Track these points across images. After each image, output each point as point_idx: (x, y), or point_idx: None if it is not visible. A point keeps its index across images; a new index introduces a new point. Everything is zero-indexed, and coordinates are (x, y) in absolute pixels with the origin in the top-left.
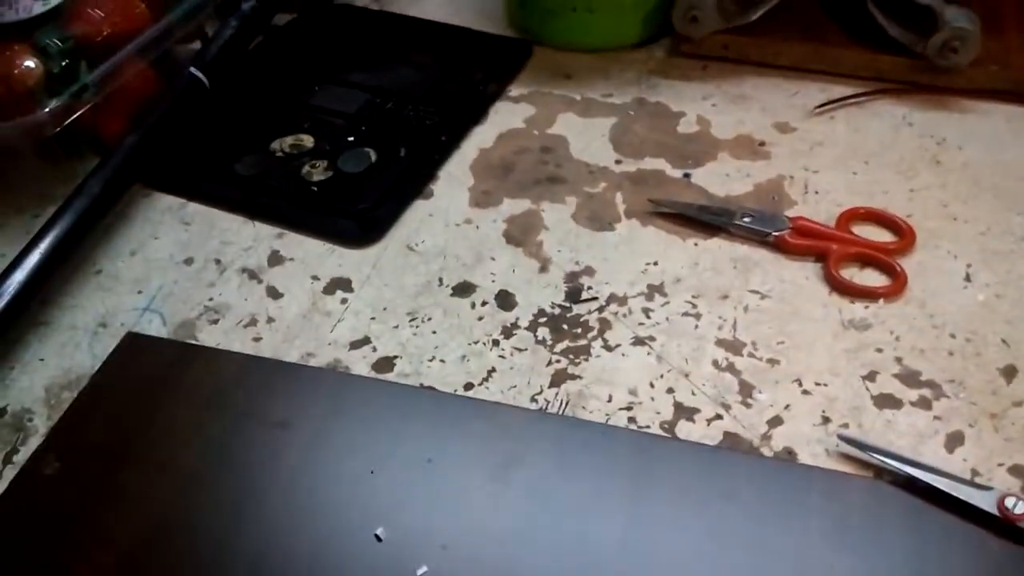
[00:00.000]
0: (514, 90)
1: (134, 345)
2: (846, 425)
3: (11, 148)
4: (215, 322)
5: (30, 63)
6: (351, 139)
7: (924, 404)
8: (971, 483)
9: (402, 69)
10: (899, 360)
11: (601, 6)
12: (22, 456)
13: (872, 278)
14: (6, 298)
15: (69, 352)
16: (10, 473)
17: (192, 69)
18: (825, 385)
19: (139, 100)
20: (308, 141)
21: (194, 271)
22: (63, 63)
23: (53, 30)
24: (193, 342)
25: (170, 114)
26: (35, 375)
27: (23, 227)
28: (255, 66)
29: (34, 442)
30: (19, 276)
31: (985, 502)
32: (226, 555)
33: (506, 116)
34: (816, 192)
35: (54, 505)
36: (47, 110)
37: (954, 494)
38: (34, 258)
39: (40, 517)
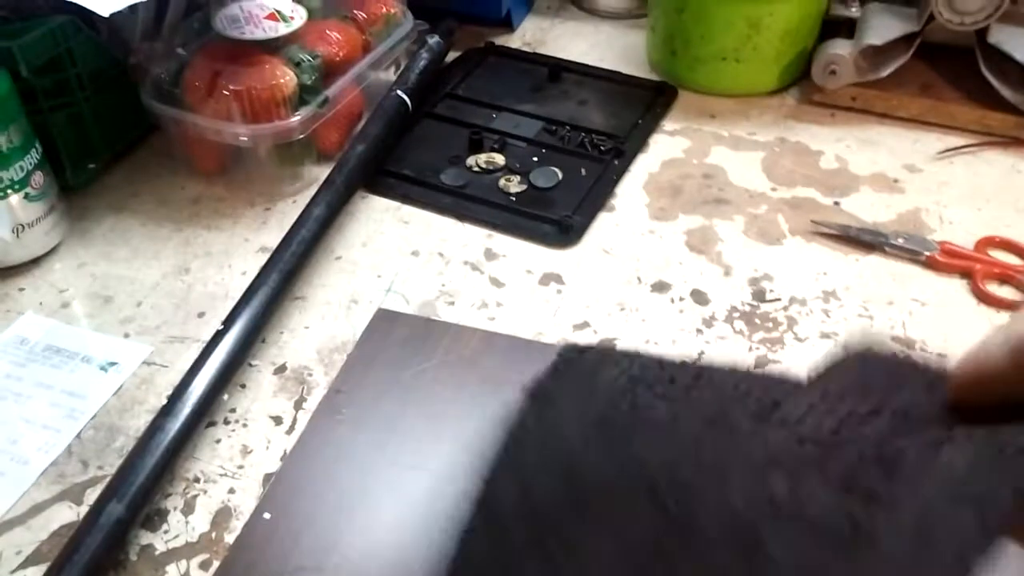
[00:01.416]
0: (667, 126)
1: (386, 318)
2: None
3: (256, 148)
4: (451, 304)
5: (289, 74)
6: (535, 159)
7: None
8: None
9: (565, 103)
10: None
11: (747, 57)
12: (310, 404)
13: (1010, 293)
14: (276, 274)
15: (329, 323)
16: (303, 417)
17: (398, 91)
18: None
19: (350, 116)
20: (499, 159)
21: (422, 261)
22: (314, 77)
23: (300, 49)
24: (436, 318)
25: (385, 129)
26: (304, 340)
27: (258, 217)
28: (440, 93)
29: (318, 392)
30: (286, 256)
31: None
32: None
33: (665, 147)
34: (951, 223)
35: (349, 445)
36: (298, 117)
37: None
38: (296, 242)
39: (337, 455)
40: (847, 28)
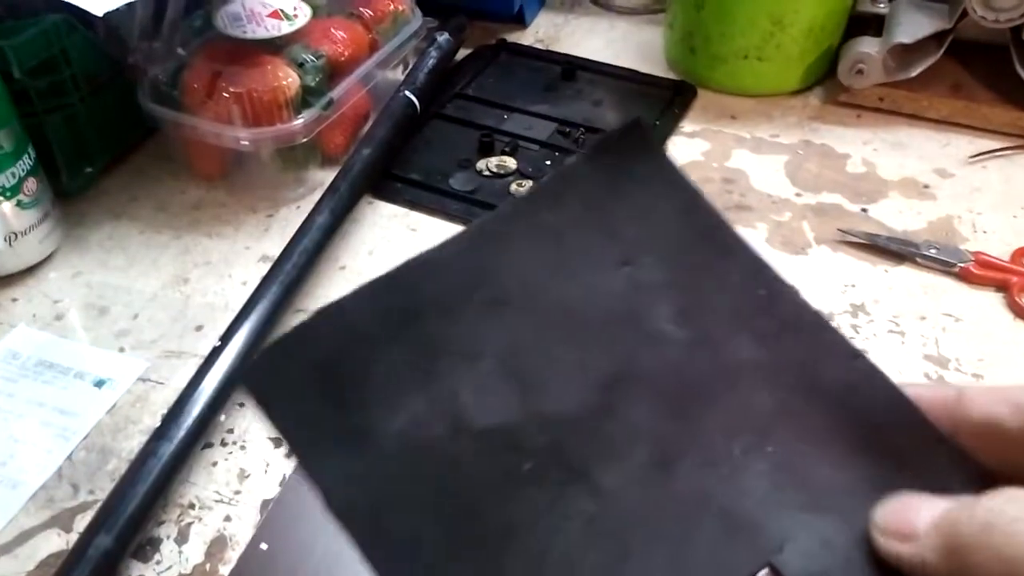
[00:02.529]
0: (686, 127)
1: None
2: None
3: (258, 152)
4: None
5: (292, 76)
6: (548, 163)
7: None
8: None
9: (579, 103)
10: None
11: (770, 55)
12: None
13: None
14: (277, 287)
15: None
16: None
17: (406, 92)
18: None
19: (356, 118)
20: (511, 163)
21: None
22: (317, 78)
23: (304, 48)
24: None
25: (392, 131)
26: None
27: (260, 224)
28: (449, 93)
29: None
30: (287, 267)
31: None
32: None
33: (684, 149)
34: (985, 231)
35: None
36: (301, 120)
37: None
38: (299, 252)
39: None
40: (875, 25)
